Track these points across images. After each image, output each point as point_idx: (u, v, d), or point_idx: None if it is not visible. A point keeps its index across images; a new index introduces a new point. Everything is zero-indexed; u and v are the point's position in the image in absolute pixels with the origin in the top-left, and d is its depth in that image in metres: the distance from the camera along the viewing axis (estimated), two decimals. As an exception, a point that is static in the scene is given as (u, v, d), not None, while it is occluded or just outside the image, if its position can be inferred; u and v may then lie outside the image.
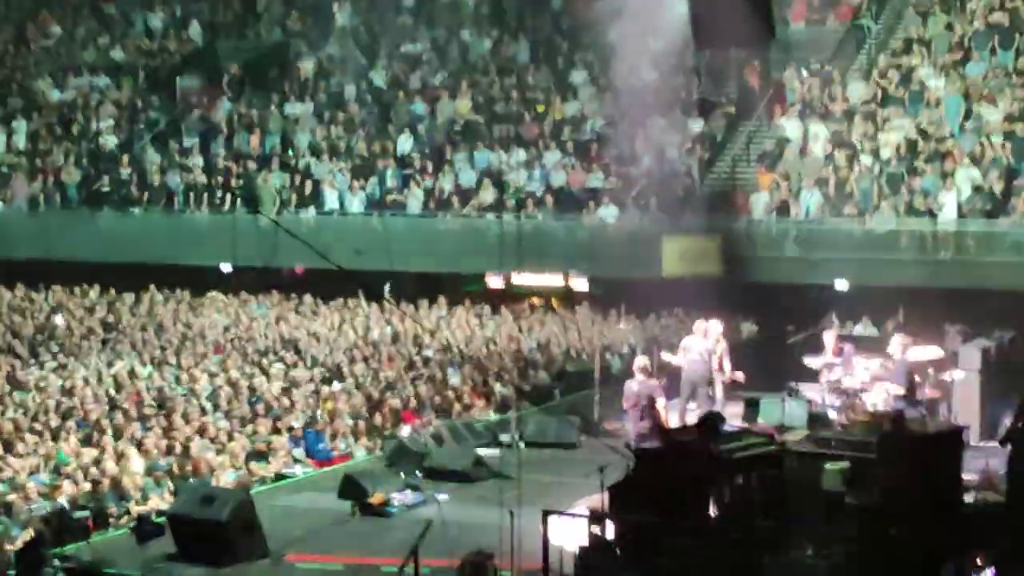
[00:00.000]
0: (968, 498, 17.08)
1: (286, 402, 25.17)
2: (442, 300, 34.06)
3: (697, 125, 34.59)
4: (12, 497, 19.21)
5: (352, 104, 38.69)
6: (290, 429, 23.51)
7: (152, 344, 30.42)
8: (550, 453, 23.16)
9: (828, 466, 16.95)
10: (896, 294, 27.62)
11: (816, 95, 34.21)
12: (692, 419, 21.05)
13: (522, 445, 23.02)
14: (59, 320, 32.36)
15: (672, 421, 21.37)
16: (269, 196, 35.82)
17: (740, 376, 23.59)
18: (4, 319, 32.94)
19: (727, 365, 23.62)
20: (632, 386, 20.94)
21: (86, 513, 18.83)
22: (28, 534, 18.11)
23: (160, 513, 19.01)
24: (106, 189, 37.58)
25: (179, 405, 24.59)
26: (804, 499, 16.92)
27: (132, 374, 27.45)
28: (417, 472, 21.58)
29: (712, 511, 16.26)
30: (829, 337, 22.71)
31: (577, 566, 16.20)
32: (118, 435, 22.49)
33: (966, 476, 17.40)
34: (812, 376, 22.53)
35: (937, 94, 32.77)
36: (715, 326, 23.76)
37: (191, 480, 20.57)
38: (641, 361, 21.36)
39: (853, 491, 16.53)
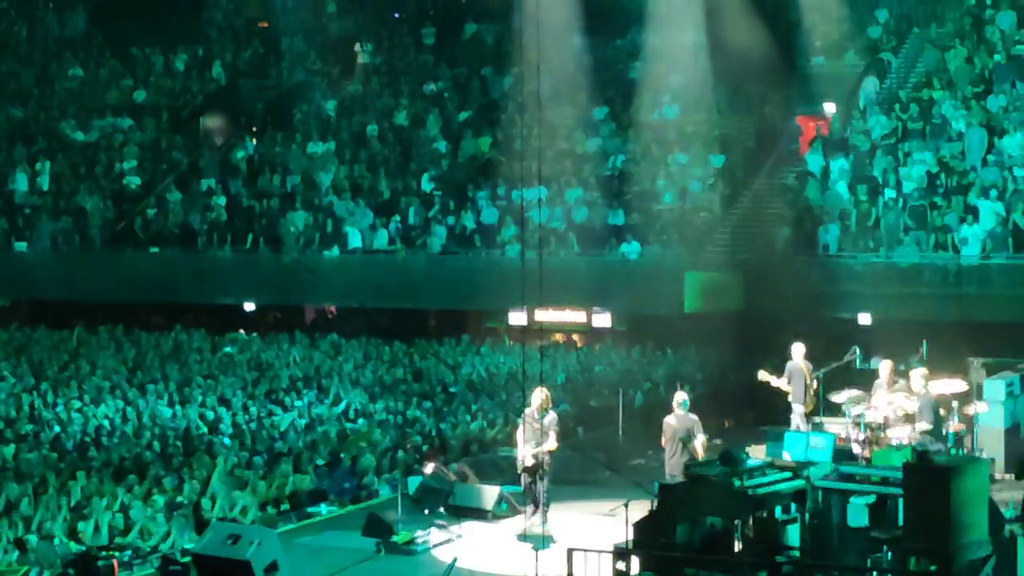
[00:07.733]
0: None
1: (310, 440, 25.18)
2: (465, 337, 34.10)
3: (718, 160, 34.60)
4: (37, 539, 19.20)
5: (374, 142, 38.77)
6: (314, 467, 23.48)
7: (175, 383, 30.45)
8: (575, 490, 23.09)
9: (853, 500, 16.90)
10: (919, 328, 27.47)
11: (837, 129, 34.20)
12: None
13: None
14: None
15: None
16: (292, 235, 35.88)
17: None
18: (28, 358, 33.03)
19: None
20: (671, 420, 20.81)
21: (111, 554, 18.81)
22: (54, 576, 18.13)
23: (185, 552, 19.00)
24: (129, 229, 37.68)
25: (203, 444, 24.62)
26: (829, 533, 16.89)
27: (155, 413, 27.50)
28: (442, 509, 21.56)
29: (736, 546, 16.21)
30: (884, 368, 22.15)
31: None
32: (142, 474, 22.49)
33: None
34: (834, 410, 22.41)
35: (959, 127, 32.72)
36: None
37: (215, 519, 20.54)
38: (679, 396, 21.08)
39: (878, 525, 16.48)
